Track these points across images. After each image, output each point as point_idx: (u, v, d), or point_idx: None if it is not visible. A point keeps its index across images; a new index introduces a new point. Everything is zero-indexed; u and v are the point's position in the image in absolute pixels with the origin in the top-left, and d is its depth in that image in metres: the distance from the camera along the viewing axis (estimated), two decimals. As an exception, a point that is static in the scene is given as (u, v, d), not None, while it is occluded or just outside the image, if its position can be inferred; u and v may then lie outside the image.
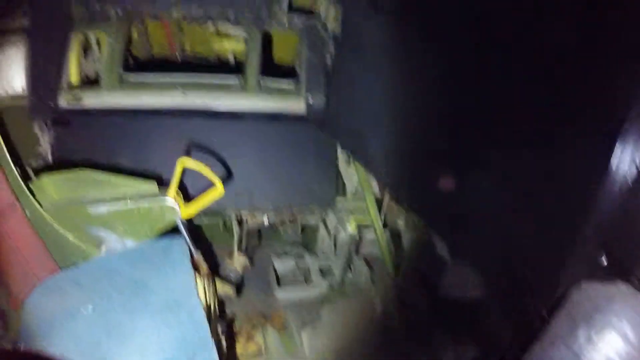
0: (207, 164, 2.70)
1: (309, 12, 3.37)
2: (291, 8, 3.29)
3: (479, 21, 1.83)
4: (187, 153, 2.97)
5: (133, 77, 3.18)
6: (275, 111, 3.17)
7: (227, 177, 3.01)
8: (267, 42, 3.47)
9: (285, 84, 3.32)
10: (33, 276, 2.58)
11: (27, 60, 3.16)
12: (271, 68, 3.46)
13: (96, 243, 2.73)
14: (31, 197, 2.75)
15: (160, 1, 3.10)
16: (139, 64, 3.76)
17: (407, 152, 2.52)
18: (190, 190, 2.90)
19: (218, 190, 2.57)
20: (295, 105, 3.21)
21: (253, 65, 3.20)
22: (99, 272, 2.52)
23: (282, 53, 3.80)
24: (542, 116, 1.58)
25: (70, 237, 2.72)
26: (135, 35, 3.66)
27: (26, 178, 2.84)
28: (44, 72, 3.18)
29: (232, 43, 3.78)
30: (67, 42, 3.17)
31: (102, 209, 2.68)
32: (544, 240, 1.58)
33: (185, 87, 3.12)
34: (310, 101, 3.20)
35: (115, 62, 3.15)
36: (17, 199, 2.71)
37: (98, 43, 3.33)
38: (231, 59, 3.93)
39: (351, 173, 3.46)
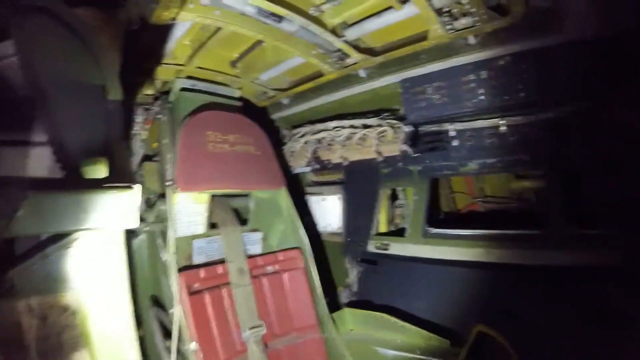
0: (505, 325, 2.48)
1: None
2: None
3: None
4: (485, 310, 2.77)
5: (436, 231, 3.25)
6: (588, 264, 2.60)
7: (525, 342, 2.60)
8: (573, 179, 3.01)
9: (597, 231, 2.71)
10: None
11: (344, 207, 3.85)
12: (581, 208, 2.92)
13: (377, 381, 2.84)
14: (332, 325, 3.17)
15: (456, 159, 3.20)
16: (445, 216, 3.94)
17: None
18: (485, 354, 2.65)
19: None
20: (611, 256, 2.55)
21: (555, 212, 2.83)
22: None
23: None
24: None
25: (357, 366, 2.96)
26: (439, 188, 3.89)
27: (332, 305, 3.31)
28: (358, 219, 3.74)
29: (531, 182, 3.56)
30: (377, 196, 3.65)
31: (390, 353, 2.79)
32: None
33: (487, 240, 2.95)
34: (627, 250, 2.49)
35: (419, 217, 3.34)
36: (320, 322, 3.19)
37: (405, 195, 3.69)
38: (533, 199, 3.66)
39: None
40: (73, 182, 1.50)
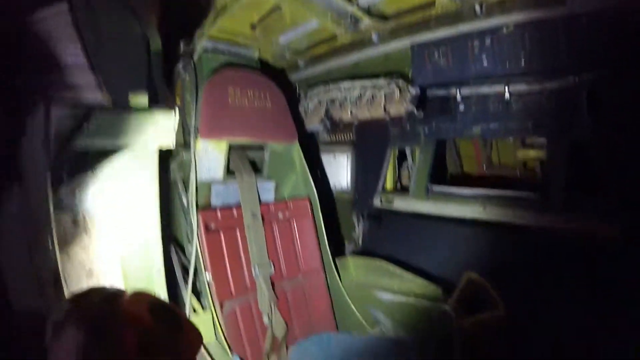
0: (496, 279, 2.69)
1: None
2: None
3: None
4: (479, 264, 2.92)
5: (438, 188, 3.46)
6: (585, 232, 2.61)
7: (514, 294, 2.70)
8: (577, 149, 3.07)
9: (597, 200, 2.67)
10: (314, 327, 3.29)
11: (354, 165, 4.11)
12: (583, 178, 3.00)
13: (373, 323, 3.15)
14: (335, 270, 3.47)
15: (461, 122, 3.31)
16: (450, 177, 4.14)
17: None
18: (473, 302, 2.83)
19: (499, 312, 2.52)
20: (610, 228, 2.50)
21: (557, 179, 2.85)
22: (361, 346, 2.94)
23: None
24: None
25: (355, 310, 3.28)
26: (447, 153, 4.09)
27: (335, 254, 3.59)
28: (366, 177, 3.99)
29: (537, 152, 3.66)
30: (385, 155, 3.85)
31: (387, 297, 3.05)
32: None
33: (486, 201, 3.12)
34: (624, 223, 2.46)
35: (423, 175, 3.55)
36: (324, 267, 3.50)
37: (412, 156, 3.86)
38: (538, 168, 3.78)
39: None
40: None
